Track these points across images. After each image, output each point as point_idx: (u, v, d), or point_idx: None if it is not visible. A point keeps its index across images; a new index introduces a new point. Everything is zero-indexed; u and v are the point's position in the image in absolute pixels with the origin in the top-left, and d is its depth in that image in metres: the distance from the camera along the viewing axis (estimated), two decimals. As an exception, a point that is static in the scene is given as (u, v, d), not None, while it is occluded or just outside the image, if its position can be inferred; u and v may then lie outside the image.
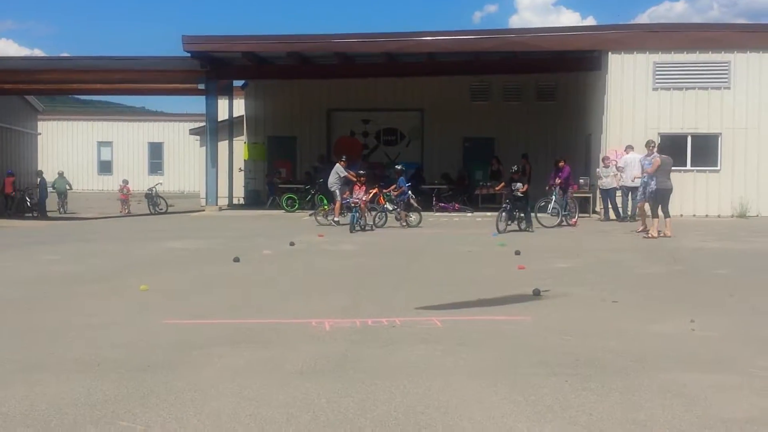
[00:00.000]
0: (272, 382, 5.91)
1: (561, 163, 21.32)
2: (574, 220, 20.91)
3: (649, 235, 17.07)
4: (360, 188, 20.24)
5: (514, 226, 19.06)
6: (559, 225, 20.37)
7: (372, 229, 19.73)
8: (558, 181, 20.76)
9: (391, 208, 21.35)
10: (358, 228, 19.31)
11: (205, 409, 5.30)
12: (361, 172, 21.24)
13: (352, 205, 19.91)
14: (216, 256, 14.41)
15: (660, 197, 17.31)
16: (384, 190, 21.96)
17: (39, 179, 33.19)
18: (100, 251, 15.84)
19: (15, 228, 23.36)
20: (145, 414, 5.19)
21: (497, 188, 20.27)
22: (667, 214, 17.25)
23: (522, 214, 19.29)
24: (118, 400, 5.49)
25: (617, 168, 22.19)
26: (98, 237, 19.35)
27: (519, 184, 19.18)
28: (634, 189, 21.88)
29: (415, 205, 21.85)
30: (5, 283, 11.41)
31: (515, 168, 20.08)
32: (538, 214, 20.13)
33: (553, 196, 20.67)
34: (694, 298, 9.68)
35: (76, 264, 13.64)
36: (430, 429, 4.88)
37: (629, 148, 22.33)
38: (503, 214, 18.98)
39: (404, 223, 20.60)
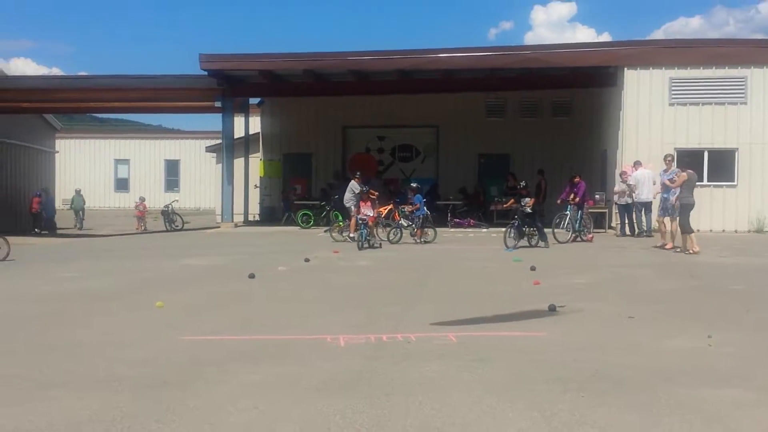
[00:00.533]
0: (288, 399, 5.92)
1: (576, 179, 21.31)
2: (590, 235, 20.84)
3: (690, 251, 16.85)
4: (367, 204, 20.06)
5: (524, 242, 18.95)
6: (573, 240, 20.34)
7: (380, 246, 19.46)
8: (576, 198, 20.73)
9: (406, 225, 21.36)
10: (366, 245, 19.10)
11: (222, 425, 5.31)
12: (365, 188, 21.29)
13: (360, 221, 19.67)
14: (232, 273, 14.44)
15: (682, 212, 17.21)
16: (400, 207, 22.00)
17: (45, 196, 33.28)
18: (116, 268, 15.91)
19: (32, 245, 23.50)
20: (163, 430, 5.20)
21: (506, 204, 20.18)
22: (688, 230, 17.11)
23: (533, 230, 19.18)
24: (135, 417, 5.50)
25: (628, 185, 22.14)
26: (114, 254, 19.45)
27: (527, 199, 19.14)
28: (648, 204, 21.85)
29: (430, 221, 21.87)
30: (22, 300, 11.48)
31: (523, 183, 20.43)
32: (555, 230, 20.12)
33: (568, 212, 20.63)
34: (710, 314, 9.62)
35: (92, 281, 13.70)
36: (446, 445, 4.87)
37: (638, 164, 22.36)
38: (512, 230, 18.85)
39: (419, 240, 20.60)
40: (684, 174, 17.34)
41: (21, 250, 21.37)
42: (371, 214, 19.81)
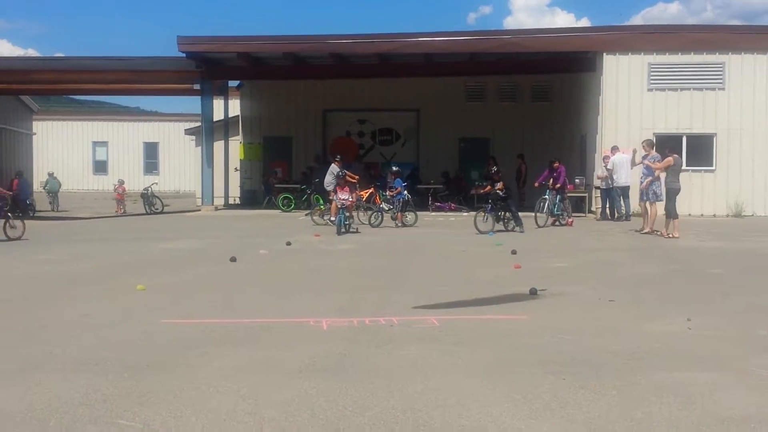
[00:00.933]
0: (270, 381, 5.93)
1: (555, 164, 21.39)
2: (570, 219, 20.92)
3: (669, 236, 16.97)
4: (344, 189, 19.71)
5: (500, 226, 18.92)
6: (552, 224, 20.44)
7: (357, 231, 19.30)
8: (557, 185, 20.80)
9: (386, 208, 21.36)
10: (343, 230, 18.82)
11: (204, 408, 5.31)
12: (343, 172, 20.97)
13: (339, 206, 19.28)
14: (213, 256, 14.41)
15: (668, 196, 17.30)
16: (381, 191, 21.99)
17: (20, 178, 32.83)
18: (95, 251, 15.82)
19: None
20: (144, 413, 5.20)
21: (483, 190, 19.94)
22: (672, 215, 17.22)
23: (508, 214, 19.16)
24: (117, 399, 5.50)
25: (606, 170, 22.26)
26: (94, 237, 19.33)
27: (498, 184, 19.07)
28: (626, 188, 21.99)
29: (411, 204, 21.88)
30: (2, 283, 11.40)
31: (495, 169, 20.28)
32: (538, 214, 20.23)
33: (547, 196, 20.70)
34: (690, 298, 9.72)
35: (72, 264, 13.63)
36: (428, 427, 4.90)
37: (615, 149, 22.48)
38: (486, 215, 18.78)
39: (400, 223, 20.63)
40: (669, 158, 17.40)
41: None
42: (349, 199, 19.55)
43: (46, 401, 5.47)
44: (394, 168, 22.68)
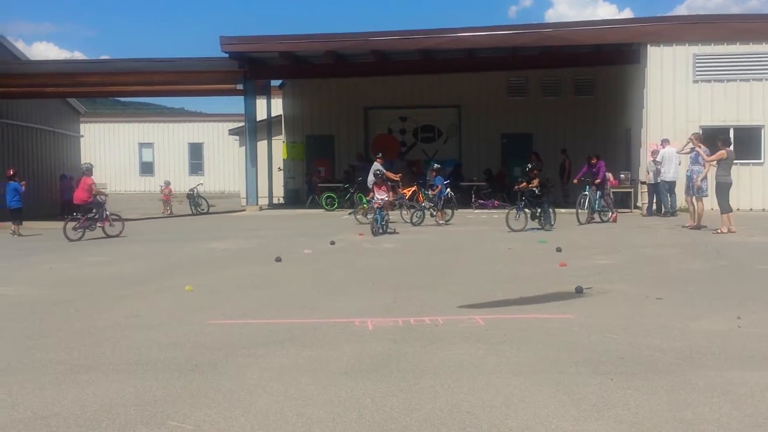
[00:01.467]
0: (317, 382, 5.97)
1: (593, 160, 21.15)
2: (613, 215, 20.69)
3: (725, 231, 16.71)
4: (381, 189, 19.10)
5: (534, 224, 18.48)
6: (592, 221, 20.13)
7: (395, 232, 18.68)
8: (597, 180, 20.59)
9: (428, 206, 21.29)
10: (381, 231, 18.23)
11: (253, 408, 5.37)
12: (381, 171, 20.30)
13: (375, 206, 18.67)
14: (258, 256, 14.53)
15: (719, 191, 16.98)
16: (423, 189, 21.96)
17: (62, 181, 33.26)
18: (144, 252, 16.06)
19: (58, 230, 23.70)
20: (194, 414, 5.27)
21: (518, 186, 19.29)
22: (726, 210, 16.91)
23: (540, 211, 18.67)
24: (167, 401, 5.58)
25: (654, 162, 21.99)
26: (142, 238, 19.61)
27: (534, 181, 18.76)
28: (673, 183, 21.70)
29: (454, 202, 21.88)
30: (53, 284, 11.62)
31: (529, 166, 19.86)
32: (579, 211, 20.03)
33: (587, 193, 20.44)
34: (739, 294, 9.57)
35: (121, 265, 13.84)
36: (475, 428, 4.90)
37: (665, 142, 22.14)
38: (517, 212, 18.39)
39: (442, 221, 20.59)
40: (723, 151, 17.05)
41: (49, 235, 21.61)
42: (385, 198, 18.97)
43: (98, 402, 5.57)
44: (435, 165, 22.62)
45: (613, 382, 5.83)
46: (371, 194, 19.49)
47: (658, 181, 22.00)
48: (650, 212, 22.35)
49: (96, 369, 6.51)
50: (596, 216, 20.44)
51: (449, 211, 21.15)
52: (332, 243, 16.15)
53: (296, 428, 4.96)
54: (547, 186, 19.81)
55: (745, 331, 7.49)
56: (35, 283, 11.84)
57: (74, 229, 19.32)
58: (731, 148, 17.32)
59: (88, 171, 20.70)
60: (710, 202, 18.74)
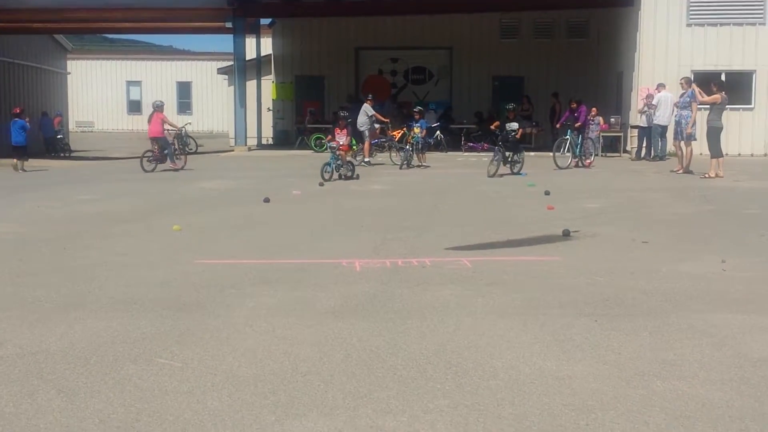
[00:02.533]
0: (305, 321, 6.02)
1: (574, 104, 21.00)
2: (588, 161, 20.38)
3: (714, 176, 16.74)
4: (341, 132, 17.71)
5: (505, 169, 17.91)
6: (576, 166, 19.96)
7: (354, 176, 17.41)
8: (577, 123, 20.45)
9: (410, 148, 20.82)
10: (332, 176, 16.92)
11: (241, 347, 5.41)
12: (344, 114, 18.91)
13: (331, 151, 17.46)
14: (246, 197, 14.51)
15: (711, 136, 16.95)
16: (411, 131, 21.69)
17: (42, 118, 33.05)
18: (131, 191, 16.02)
19: (47, 168, 23.62)
20: (183, 352, 5.32)
21: (492, 126, 18.65)
22: (719, 154, 16.94)
23: (516, 157, 18.16)
24: (155, 338, 5.62)
25: (649, 106, 21.91)
26: (129, 177, 19.53)
27: (515, 125, 18.03)
28: (665, 128, 21.67)
29: (443, 144, 21.75)
30: (40, 222, 11.61)
31: (511, 106, 19.10)
32: (556, 155, 19.66)
33: (568, 137, 20.19)
34: (725, 238, 9.64)
35: (108, 204, 13.81)
36: (461, 368, 4.96)
37: (661, 87, 22.03)
38: (495, 156, 17.77)
39: (419, 163, 20.41)
40: (718, 95, 16.96)
41: (35, 173, 21.53)
42: (343, 142, 17.53)
43: (87, 339, 5.61)
44: (417, 108, 22.33)
45: (597, 324, 5.89)
46: (371, 133, 18.83)
47: (650, 124, 21.96)
48: (639, 156, 22.36)
49: (84, 307, 6.54)
50: (578, 161, 20.24)
51: (426, 156, 20.94)
52: (321, 184, 16.15)
53: (283, 366, 5.01)
54: (527, 136, 19.28)
55: (730, 275, 7.56)
56: (23, 221, 11.81)
57: (149, 161, 20.60)
58: (724, 93, 17.27)
59: (159, 107, 21.60)
60: (699, 147, 18.74)
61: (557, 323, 5.92)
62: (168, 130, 21.77)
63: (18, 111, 23.92)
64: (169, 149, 21.08)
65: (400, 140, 22.30)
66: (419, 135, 20.71)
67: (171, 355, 5.24)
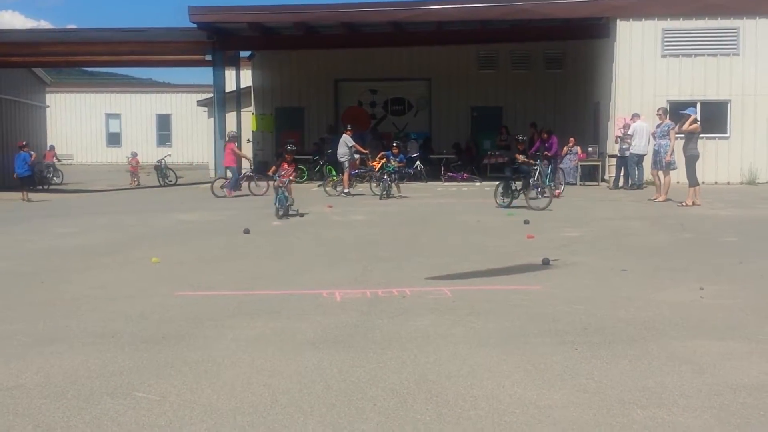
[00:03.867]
0: (285, 353, 5.98)
1: (545, 135, 21.14)
2: (558, 191, 19.98)
3: (684, 204, 16.91)
4: (288, 166, 16.37)
5: (520, 201, 17.07)
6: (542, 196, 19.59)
7: (298, 214, 16.07)
8: (547, 153, 20.53)
9: (386, 178, 20.76)
10: (282, 213, 15.72)
11: (220, 379, 5.37)
12: (290, 147, 17.09)
13: (276, 185, 16.08)
14: (226, 228, 14.46)
15: (690, 164, 17.14)
16: (389, 163, 21.50)
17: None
18: (111, 224, 15.91)
19: (25, 201, 23.46)
20: (161, 385, 5.26)
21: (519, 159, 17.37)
22: (694, 183, 17.12)
23: (526, 185, 17.31)
24: (133, 372, 5.56)
25: (624, 137, 22.09)
26: (109, 210, 19.43)
27: (522, 156, 17.49)
28: (642, 157, 21.85)
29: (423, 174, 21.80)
30: (18, 255, 11.50)
31: (521, 138, 18.60)
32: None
33: (538, 168, 20.07)
34: (703, 266, 9.71)
35: (87, 236, 13.72)
36: (441, 398, 4.94)
37: (636, 116, 22.26)
38: (500, 187, 17.38)
39: (399, 194, 20.48)
40: (697, 124, 17.16)
41: (13, 206, 21.38)
42: (291, 176, 16.34)
43: (63, 374, 5.54)
44: (395, 143, 22.33)
45: (577, 352, 5.90)
46: (274, 168, 16.74)
47: (626, 154, 22.14)
48: (617, 185, 22.52)
49: (61, 341, 6.47)
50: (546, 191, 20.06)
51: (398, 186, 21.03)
52: (301, 215, 16.10)
53: (263, 399, 4.97)
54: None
55: (708, 302, 7.60)
56: (0, 254, 11.70)
57: (221, 187, 21.95)
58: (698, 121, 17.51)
59: (233, 138, 23.72)
60: (677, 175, 18.91)
61: (537, 352, 5.91)
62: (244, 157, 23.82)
63: (22, 144, 25.29)
64: (233, 178, 22.35)
65: (380, 170, 22.30)
66: (394, 165, 20.70)
67: (149, 389, 5.19)
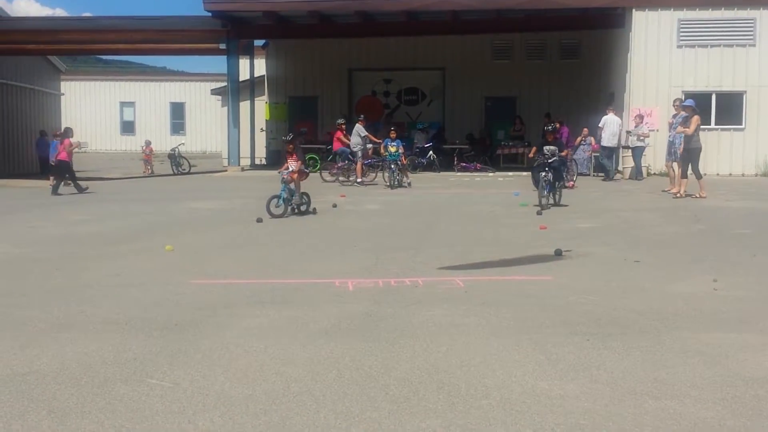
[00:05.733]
0: (297, 341, 6.00)
1: (557, 125, 21.07)
2: (570, 182, 19.96)
3: (678, 195, 16.87)
4: (293, 157, 14.74)
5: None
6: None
7: (311, 211, 14.75)
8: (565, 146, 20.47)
9: (393, 167, 20.70)
10: (285, 211, 14.26)
11: (232, 367, 5.40)
12: (290, 137, 15.88)
13: (282, 180, 14.48)
14: (239, 217, 14.50)
15: (693, 156, 16.99)
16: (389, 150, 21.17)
17: (40, 138, 32.94)
18: (125, 212, 15.99)
19: (43, 188, 23.58)
20: (174, 372, 5.30)
21: (531, 154, 16.03)
22: (698, 176, 16.98)
23: (560, 184, 15.85)
24: (147, 359, 5.60)
25: (637, 126, 22.05)
26: (123, 198, 19.52)
27: (553, 148, 15.44)
28: (609, 149, 22.11)
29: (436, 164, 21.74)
30: (34, 243, 11.57)
31: (550, 127, 16.26)
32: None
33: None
34: (716, 258, 9.66)
35: (101, 224, 13.79)
36: (453, 387, 4.95)
37: (609, 109, 22.59)
38: (545, 185, 15.12)
39: (403, 182, 20.54)
40: (696, 117, 17.01)
41: (29, 193, 21.49)
42: (293, 169, 14.51)
43: (78, 360, 5.59)
44: (392, 128, 22.09)
45: (589, 343, 5.89)
46: (285, 165, 14.82)
47: (635, 145, 22.13)
48: (634, 176, 22.42)
49: (76, 327, 6.51)
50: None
51: (406, 173, 21.11)
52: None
53: (275, 386, 5.00)
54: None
55: (721, 294, 7.58)
56: (15, 241, 11.78)
57: (330, 174, 22.19)
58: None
59: (341, 126, 23.41)
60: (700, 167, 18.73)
61: (549, 342, 5.92)
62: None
63: (57, 134, 24.84)
64: (348, 162, 22.35)
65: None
66: (392, 151, 20.61)
67: (162, 376, 5.22)
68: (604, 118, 22.33)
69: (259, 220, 13.47)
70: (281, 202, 14.26)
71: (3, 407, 4.64)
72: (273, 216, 13.92)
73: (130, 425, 4.36)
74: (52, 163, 22.46)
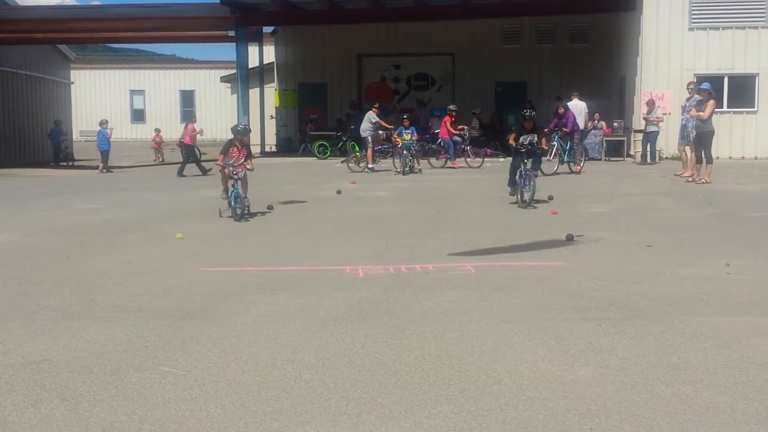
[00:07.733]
0: (308, 328, 6.01)
1: (561, 110, 20.97)
2: (578, 167, 20.11)
3: (691, 179, 16.74)
4: (240, 152, 12.89)
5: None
6: (558, 172, 19.45)
7: (261, 214, 12.93)
8: (565, 129, 20.37)
9: (406, 153, 20.70)
10: (237, 212, 12.29)
11: (244, 354, 5.41)
12: (240, 128, 13.48)
13: (232, 176, 12.52)
14: (251, 204, 14.46)
15: (706, 140, 16.79)
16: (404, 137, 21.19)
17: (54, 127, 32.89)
18: (135, 200, 16.03)
19: (51, 177, 23.69)
20: (186, 359, 5.31)
21: (510, 141, 14.22)
22: (710, 160, 16.80)
23: (536, 173, 14.09)
24: (158, 347, 5.61)
25: (650, 111, 21.93)
26: (134, 186, 19.55)
27: (532, 137, 13.77)
28: (572, 135, 22.01)
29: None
30: (45, 231, 11.61)
31: (527, 114, 14.26)
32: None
33: (555, 143, 20.06)
34: (729, 242, 9.61)
35: (112, 212, 13.82)
36: (464, 373, 4.95)
37: (574, 95, 22.53)
38: (522, 180, 13.58)
39: (415, 169, 20.58)
40: (712, 101, 16.73)
41: (40, 182, 21.57)
42: (244, 164, 12.82)
43: (90, 348, 5.61)
44: (405, 116, 22.02)
45: (601, 328, 5.88)
46: (222, 157, 12.91)
47: (649, 130, 21.98)
48: (644, 161, 22.32)
49: (87, 315, 6.54)
50: (565, 166, 20.10)
51: (418, 160, 21.16)
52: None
53: (287, 374, 5.00)
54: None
55: (733, 278, 7.54)
56: (26, 230, 11.82)
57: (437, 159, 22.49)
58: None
59: (450, 112, 22.92)
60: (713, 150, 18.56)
61: (561, 328, 5.90)
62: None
63: (103, 122, 27.24)
64: (452, 149, 22.38)
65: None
66: (407, 138, 20.56)
67: (174, 363, 5.24)
68: (570, 104, 22.15)
69: (270, 208, 13.41)
70: (230, 198, 12.49)
71: (16, 395, 4.66)
72: (221, 215, 12.52)
73: (142, 413, 4.38)
74: (180, 146, 24.15)
